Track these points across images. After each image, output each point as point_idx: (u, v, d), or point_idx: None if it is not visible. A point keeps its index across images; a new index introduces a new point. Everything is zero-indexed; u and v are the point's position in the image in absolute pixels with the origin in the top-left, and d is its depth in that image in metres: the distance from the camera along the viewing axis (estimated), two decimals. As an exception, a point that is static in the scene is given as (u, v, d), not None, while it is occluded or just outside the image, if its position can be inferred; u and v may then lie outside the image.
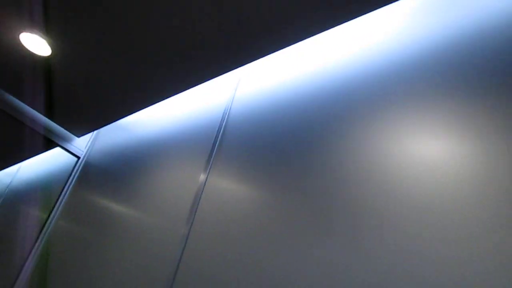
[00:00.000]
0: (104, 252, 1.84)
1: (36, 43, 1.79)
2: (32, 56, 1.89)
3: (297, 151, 1.38)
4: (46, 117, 2.33)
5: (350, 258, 1.01)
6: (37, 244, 2.10)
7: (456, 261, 0.83)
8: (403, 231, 0.95)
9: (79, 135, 2.46)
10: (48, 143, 2.44)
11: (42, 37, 1.74)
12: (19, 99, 2.24)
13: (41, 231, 2.15)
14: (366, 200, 1.07)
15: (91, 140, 2.51)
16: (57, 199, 2.26)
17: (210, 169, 1.67)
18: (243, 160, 1.56)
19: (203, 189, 1.62)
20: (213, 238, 1.42)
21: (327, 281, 1.02)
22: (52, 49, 1.81)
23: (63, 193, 2.27)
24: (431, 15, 1.29)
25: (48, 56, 1.87)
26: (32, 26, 1.70)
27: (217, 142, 1.75)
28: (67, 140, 2.41)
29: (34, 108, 2.29)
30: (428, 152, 1.02)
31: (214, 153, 1.72)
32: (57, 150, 2.64)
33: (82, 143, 2.49)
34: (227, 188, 1.53)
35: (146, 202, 1.86)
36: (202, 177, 1.67)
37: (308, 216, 1.18)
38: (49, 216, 2.21)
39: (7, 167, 3.10)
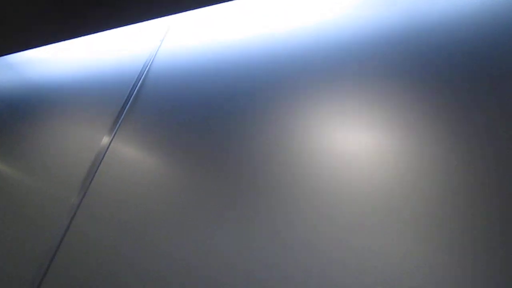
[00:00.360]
0: None
1: None
2: None
3: (218, 122, 1.23)
4: None
5: (264, 244, 0.91)
6: None
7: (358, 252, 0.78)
8: (317, 222, 0.87)
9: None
10: None
11: None
12: None
13: None
14: (282, 181, 0.97)
15: (-31, 73, 2.08)
16: None
17: (116, 131, 1.45)
18: (157, 126, 1.37)
19: (105, 154, 1.41)
20: (110, 212, 1.23)
21: (232, 266, 0.91)
22: None
23: None
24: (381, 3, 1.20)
25: None
26: None
27: (130, 101, 1.52)
28: None
29: None
30: (349, 143, 0.94)
31: (124, 113, 1.49)
32: None
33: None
34: (134, 157, 1.33)
35: (30, 158, 1.58)
36: (106, 140, 1.45)
37: (222, 197, 1.05)
38: None
39: None
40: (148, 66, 1.61)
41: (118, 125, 1.46)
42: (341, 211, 0.89)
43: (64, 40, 1.79)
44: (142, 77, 1.58)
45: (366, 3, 1.23)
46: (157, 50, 1.66)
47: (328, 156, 0.98)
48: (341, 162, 0.95)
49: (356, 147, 0.96)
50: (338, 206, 0.90)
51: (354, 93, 1.05)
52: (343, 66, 1.12)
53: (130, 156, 1.35)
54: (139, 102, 1.50)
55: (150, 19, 1.69)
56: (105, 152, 1.41)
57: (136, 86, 1.56)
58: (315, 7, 1.34)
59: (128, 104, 1.51)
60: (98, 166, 1.38)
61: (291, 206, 0.95)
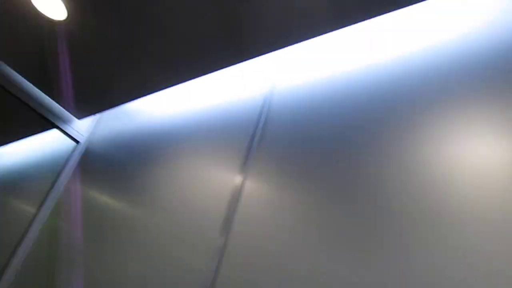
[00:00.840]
0: (109, 263, 1.64)
1: (49, 7, 1.60)
2: (41, 20, 1.68)
3: (348, 152, 1.22)
4: (43, 92, 2.12)
5: (402, 279, 0.85)
6: (21, 246, 1.88)
7: None
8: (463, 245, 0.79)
9: (80, 117, 2.25)
10: (44, 123, 2.22)
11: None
12: (15, 70, 2.02)
13: (27, 230, 1.93)
14: (423, 210, 0.91)
15: (93, 124, 2.30)
16: (49, 191, 2.04)
17: (247, 170, 1.50)
18: (288, 161, 1.39)
19: (240, 193, 1.45)
20: (256, 251, 1.25)
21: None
22: (68, 11, 1.61)
23: (57, 184, 2.05)
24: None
25: (62, 21, 1.67)
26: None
27: (255, 139, 1.57)
28: (66, 121, 2.20)
29: (30, 81, 2.07)
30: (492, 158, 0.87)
31: (252, 152, 1.54)
32: (50, 134, 2.41)
33: (83, 127, 2.27)
34: (271, 193, 1.36)
35: (164, 204, 1.67)
36: (238, 179, 1.49)
37: (359, 229, 1.02)
38: (38, 211, 1.99)
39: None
40: (269, 101, 1.66)
41: (248, 165, 1.51)
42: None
43: (180, 83, 1.94)
44: (264, 115, 1.64)
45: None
46: (274, 84, 1.72)
47: (475, 186, 0.92)
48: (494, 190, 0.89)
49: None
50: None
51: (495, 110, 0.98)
52: (479, 83, 1.07)
53: (266, 193, 1.38)
54: (265, 140, 1.55)
55: (250, 59, 1.77)
56: (240, 191, 1.45)
57: (259, 124, 1.61)
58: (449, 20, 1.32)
59: (254, 143, 1.56)
60: (236, 205, 1.43)
61: (438, 238, 0.89)
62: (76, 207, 1.95)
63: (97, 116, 2.31)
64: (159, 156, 1.84)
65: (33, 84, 2.10)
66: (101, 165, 2.07)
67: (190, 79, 1.93)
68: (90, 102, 2.16)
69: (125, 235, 1.66)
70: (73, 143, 2.22)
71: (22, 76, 2.06)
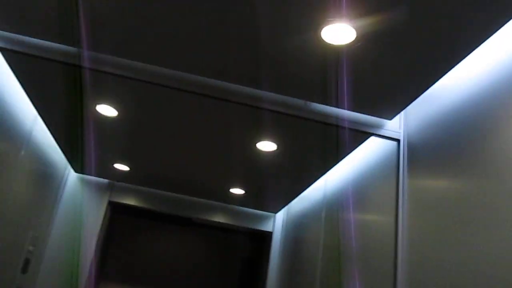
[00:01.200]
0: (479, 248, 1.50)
1: (336, 34, 1.67)
2: (331, 49, 1.77)
3: None
4: (350, 110, 2.25)
5: None
6: (399, 257, 2.00)
7: None
8: None
9: (391, 117, 2.27)
10: (361, 136, 2.37)
11: (347, 23, 1.58)
12: (320, 102, 2.24)
13: (396, 240, 2.05)
14: None
15: (404, 117, 2.28)
16: (397, 195, 2.12)
17: None
18: None
19: None
20: None
21: None
22: (357, 33, 1.63)
23: (400, 186, 2.11)
24: None
25: (349, 43, 1.71)
26: (335, 15, 1.56)
27: None
28: (380, 126, 2.26)
29: (335, 106, 2.24)
30: None
31: None
32: (368, 144, 2.56)
33: (396, 125, 2.29)
34: None
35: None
36: None
37: None
38: (396, 219, 2.09)
39: (323, 174, 3.32)
40: None
41: None
42: None
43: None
44: None
45: None
46: None
47: None
48: None
49: None
50: None
51: None
52: None
53: None
54: None
55: None
56: None
57: None
58: None
59: None
60: None
61: None
62: (425, 202, 1.94)
63: (402, 112, 2.28)
64: (498, 118, 1.57)
65: (339, 107, 2.26)
66: (430, 154, 1.99)
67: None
68: (394, 101, 2.14)
69: (488, 216, 1.48)
70: (394, 143, 2.25)
71: (326, 105, 2.26)
